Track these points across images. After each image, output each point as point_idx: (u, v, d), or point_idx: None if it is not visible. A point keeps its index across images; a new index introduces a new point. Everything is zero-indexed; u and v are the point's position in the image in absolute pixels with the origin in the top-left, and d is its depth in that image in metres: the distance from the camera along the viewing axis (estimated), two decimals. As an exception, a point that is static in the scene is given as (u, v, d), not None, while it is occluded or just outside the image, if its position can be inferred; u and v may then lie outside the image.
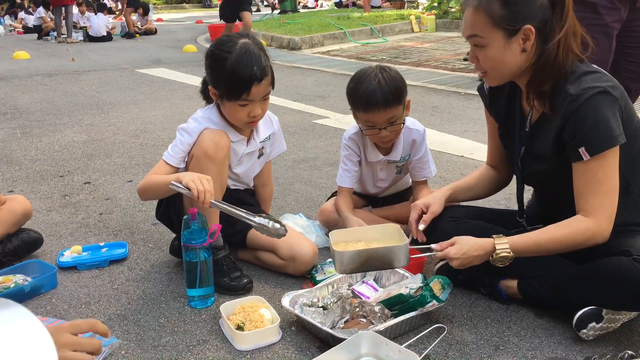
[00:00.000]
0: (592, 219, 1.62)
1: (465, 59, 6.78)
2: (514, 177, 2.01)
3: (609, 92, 1.59)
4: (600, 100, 1.58)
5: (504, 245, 1.68)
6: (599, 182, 1.61)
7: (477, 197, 2.14)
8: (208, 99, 2.17)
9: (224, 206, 1.87)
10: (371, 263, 1.79)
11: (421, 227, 1.94)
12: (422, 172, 2.36)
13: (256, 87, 1.94)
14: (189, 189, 1.82)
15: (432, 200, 2.01)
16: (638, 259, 1.57)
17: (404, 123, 2.20)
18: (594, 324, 1.67)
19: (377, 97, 2.08)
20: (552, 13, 1.62)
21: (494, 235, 1.71)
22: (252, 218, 1.86)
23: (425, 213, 1.97)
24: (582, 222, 1.64)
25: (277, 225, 1.87)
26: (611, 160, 1.61)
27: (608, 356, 1.43)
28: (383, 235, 1.90)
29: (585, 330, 1.68)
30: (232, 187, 2.23)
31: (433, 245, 1.76)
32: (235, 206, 1.88)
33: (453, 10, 11.67)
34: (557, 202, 1.86)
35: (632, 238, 1.66)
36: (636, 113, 1.70)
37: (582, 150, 1.60)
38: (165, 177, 1.95)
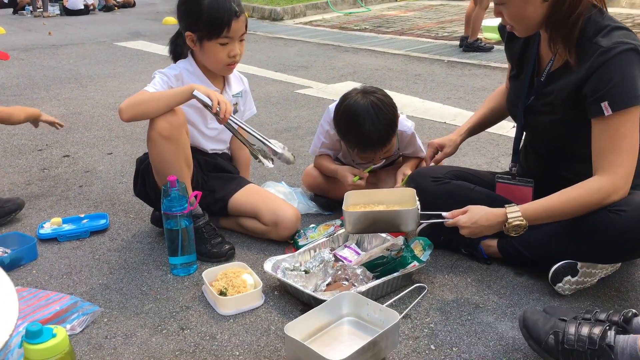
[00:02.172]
0: (608, 177, 1.59)
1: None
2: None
3: (638, 50, 1.56)
4: (631, 56, 1.54)
5: (516, 213, 1.65)
6: (620, 138, 1.57)
7: (493, 125, 2.21)
8: (177, 58, 2.17)
9: (240, 124, 1.93)
10: (377, 225, 1.80)
11: (431, 165, 2.10)
12: (412, 154, 2.36)
13: (235, 23, 1.99)
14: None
15: (447, 142, 2.13)
16: (613, 211, 1.58)
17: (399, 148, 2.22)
18: (569, 277, 1.69)
19: (373, 140, 2.06)
20: None
21: (506, 205, 1.68)
22: (268, 139, 1.94)
23: (439, 151, 2.12)
24: (596, 181, 1.60)
25: (289, 153, 1.97)
26: (633, 117, 1.58)
27: (611, 311, 1.44)
28: (397, 198, 1.89)
29: (560, 284, 1.71)
30: (211, 151, 2.23)
31: (444, 213, 1.75)
32: (249, 126, 1.94)
33: (436, -22, 11.51)
34: (554, 155, 1.84)
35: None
36: None
37: (604, 104, 1.55)
38: (169, 90, 1.98)
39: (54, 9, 12.22)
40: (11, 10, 13.30)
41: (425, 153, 2.20)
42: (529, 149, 1.98)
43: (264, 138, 1.93)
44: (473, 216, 1.70)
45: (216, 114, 1.87)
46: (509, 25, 1.71)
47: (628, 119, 1.57)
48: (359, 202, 1.90)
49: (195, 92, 1.87)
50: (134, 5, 13.45)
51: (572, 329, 1.37)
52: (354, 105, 2.07)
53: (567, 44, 1.64)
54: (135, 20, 10.50)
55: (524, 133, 1.93)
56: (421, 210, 1.78)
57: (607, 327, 1.35)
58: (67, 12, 11.98)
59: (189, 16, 2.03)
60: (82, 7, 12.09)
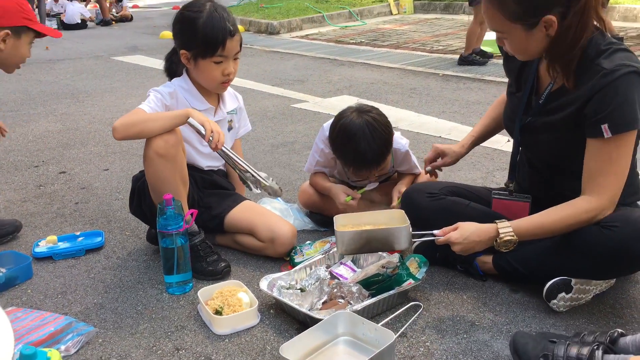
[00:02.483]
0: (596, 199, 1.62)
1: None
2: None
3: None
4: (632, 79, 1.55)
5: (507, 229, 1.67)
6: (612, 162, 1.59)
7: (496, 133, 2.23)
8: (172, 76, 2.19)
9: (231, 154, 1.95)
10: (372, 244, 1.80)
11: (427, 169, 2.16)
12: (407, 171, 2.37)
13: (230, 42, 2.01)
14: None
15: (449, 152, 2.15)
16: (606, 226, 1.60)
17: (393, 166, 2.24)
18: (563, 294, 1.70)
19: (368, 159, 2.08)
20: None
21: (496, 220, 1.70)
22: (256, 171, 1.96)
23: (440, 158, 2.16)
24: (585, 201, 1.63)
25: (276, 185, 1.97)
26: (629, 142, 1.60)
27: (597, 333, 1.45)
28: (387, 219, 1.90)
29: (555, 301, 1.71)
30: (207, 168, 2.24)
31: (435, 231, 1.76)
32: (240, 157, 1.97)
33: (431, -9, 11.62)
34: (550, 172, 1.85)
35: None
36: None
37: (604, 127, 1.56)
38: (164, 113, 1.99)
39: (51, 23, 12.25)
40: (8, 24, 13.30)
41: (424, 166, 2.23)
42: (524, 164, 1.98)
43: (252, 170, 1.95)
44: (464, 232, 1.71)
45: (208, 142, 1.88)
46: (512, 53, 1.72)
47: (624, 142, 1.59)
48: (347, 223, 1.90)
49: (190, 120, 1.89)
50: (131, 19, 13.52)
51: (560, 351, 1.38)
52: (350, 124, 2.08)
53: (565, 71, 1.65)
54: (132, 34, 10.54)
55: (520, 149, 1.94)
56: (412, 229, 1.78)
57: (595, 347, 1.35)
58: (64, 26, 12.03)
59: (184, 34, 2.04)
60: (79, 21, 12.14)
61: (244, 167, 1.96)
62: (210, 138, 1.86)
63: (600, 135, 1.58)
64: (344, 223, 1.89)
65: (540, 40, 1.62)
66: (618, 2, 7.96)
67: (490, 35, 6.32)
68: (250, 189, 2.00)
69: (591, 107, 1.59)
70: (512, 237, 1.67)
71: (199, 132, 1.89)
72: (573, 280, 1.70)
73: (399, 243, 1.77)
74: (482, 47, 5.93)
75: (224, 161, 2.33)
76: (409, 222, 1.78)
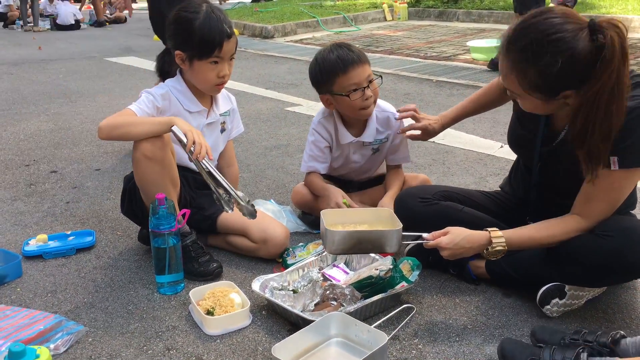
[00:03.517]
0: (586, 221, 1.64)
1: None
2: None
3: None
4: None
5: (500, 239, 1.68)
6: (611, 192, 1.61)
7: (481, 112, 2.24)
8: (164, 76, 2.18)
9: (211, 169, 1.86)
10: (362, 245, 1.79)
11: (397, 115, 2.24)
12: (396, 155, 2.38)
13: (227, 44, 2.01)
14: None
15: (426, 120, 2.18)
16: (600, 235, 1.60)
17: (380, 77, 2.25)
18: (557, 300, 1.70)
19: (351, 56, 2.15)
20: (596, 66, 1.46)
21: (488, 229, 1.70)
22: (234, 189, 1.87)
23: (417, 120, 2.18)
24: (575, 222, 1.65)
25: (252, 207, 1.88)
26: (633, 177, 1.61)
27: (599, 332, 1.45)
28: (375, 218, 1.90)
29: (548, 307, 1.72)
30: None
31: (425, 235, 1.76)
32: (219, 174, 1.88)
33: (425, -2, 11.69)
34: (553, 191, 1.84)
35: None
36: None
37: (613, 159, 1.56)
38: (150, 118, 1.95)
39: (45, 24, 12.20)
40: (1, 24, 13.28)
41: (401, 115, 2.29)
42: (521, 170, 1.98)
43: (230, 188, 1.86)
44: (454, 238, 1.70)
45: (189, 153, 1.84)
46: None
47: (628, 177, 1.60)
48: (336, 221, 1.89)
49: (174, 128, 1.85)
50: (125, 21, 13.49)
51: (546, 355, 1.38)
52: (322, 49, 2.26)
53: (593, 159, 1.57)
54: (126, 36, 10.52)
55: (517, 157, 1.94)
56: (403, 231, 1.78)
57: (581, 350, 1.35)
58: (57, 27, 11.98)
59: (180, 35, 2.04)
60: (73, 22, 12.09)
61: (223, 184, 1.86)
62: (192, 149, 1.82)
63: (607, 166, 1.57)
64: (332, 221, 1.87)
65: (557, 107, 1.61)
66: (610, 12, 8.04)
67: (478, 43, 6.40)
68: (222, 208, 1.90)
69: None
70: (503, 248, 1.68)
71: (181, 141, 1.85)
72: (567, 286, 1.71)
73: (390, 245, 1.77)
74: (472, 55, 5.96)
75: (216, 162, 2.32)
76: (401, 224, 1.78)
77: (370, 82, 2.18)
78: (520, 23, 1.54)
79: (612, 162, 1.57)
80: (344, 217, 1.92)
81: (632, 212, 1.83)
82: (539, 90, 1.54)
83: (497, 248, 1.68)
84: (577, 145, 1.57)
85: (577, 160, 1.61)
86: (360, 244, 1.78)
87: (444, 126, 2.23)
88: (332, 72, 2.16)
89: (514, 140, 1.94)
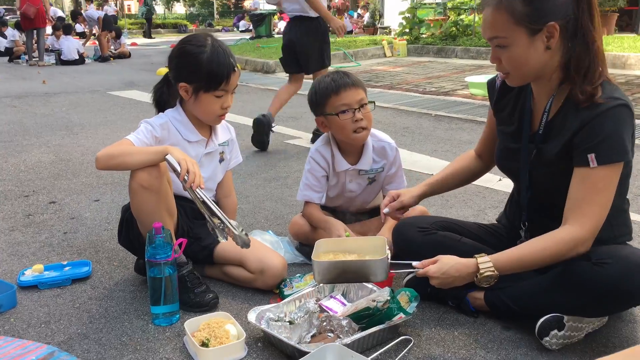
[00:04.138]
0: (577, 228, 1.60)
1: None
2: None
3: (629, 107, 1.59)
4: (622, 112, 1.57)
5: (487, 264, 1.64)
6: (597, 192, 1.59)
7: (454, 188, 2.20)
8: (161, 108, 2.21)
9: (205, 199, 1.85)
10: (347, 275, 1.77)
11: (385, 210, 2.05)
12: (393, 185, 2.39)
13: (233, 77, 2.06)
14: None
15: (405, 191, 2.09)
16: (597, 263, 1.59)
17: (373, 102, 2.28)
18: (556, 331, 1.68)
19: (344, 79, 2.21)
20: (577, 9, 1.57)
21: (475, 255, 1.68)
22: (227, 218, 1.86)
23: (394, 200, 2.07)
24: (566, 232, 1.62)
25: (245, 236, 1.87)
26: (615, 173, 1.60)
27: None
28: (370, 247, 1.88)
29: (547, 338, 1.69)
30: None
31: (414, 263, 1.74)
32: (213, 203, 1.87)
33: (424, 36, 11.92)
34: (545, 211, 1.83)
35: (594, 246, 1.66)
36: None
37: (591, 156, 1.57)
38: (145, 148, 1.96)
39: (50, 59, 12.40)
40: (7, 58, 13.49)
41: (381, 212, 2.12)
42: (515, 200, 1.98)
43: (224, 217, 1.85)
44: (443, 266, 1.68)
45: (183, 182, 1.84)
46: (504, 72, 1.71)
47: (610, 174, 1.60)
48: (329, 250, 1.89)
49: (168, 157, 1.86)
50: (129, 56, 13.72)
51: None
52: (322, 75, 2.35)
53: (589, 98, 1.61)
54: (129, 70, 10.67)
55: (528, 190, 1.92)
56: (396, 260, 1.77)
57: None
58: (62, 62, 12.17)
59: (186, 68, 2.06)
60: (77, 57, 12.29)
61: (217, 214, 1.85)
62: (186, 178, 1.82)
63: (586, 164, 1.59)
64: (324, 250, 1.88)
65: (540, 52, 1.62)
66: (606, 50, 8.16)
67: (477, 79, 6.48)
68: (217, 237, 1.88)
69: (580, 137, 1.61)
70: (492, 273, 1.64)
71: (175, 170, 1.86)
72: (565, 317, 1.68)
73: (374, 275, 1.75)
74: (471, 90, 6.05)
75: (214, 192, 2.32)
76: (387, 253, 1.76)
77: (363, 106, 2.21)
78: None
79: (591, 159, 1.57)
80: (337, 246, 1.92)
81: (629, 242, 1.82)
82: (525, 19, 1.57)
83: (486, 273, 1.64)
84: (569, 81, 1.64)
85: (549, 161, 1.69)
86: (345, 274, 1.76)
87: (422, 190, 2.12)
88: (325, 93, 2.22)
89: (501, 155, 1.94)
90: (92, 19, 15.50)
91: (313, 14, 4.42)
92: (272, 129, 4.44)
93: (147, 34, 23.50)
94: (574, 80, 1.63)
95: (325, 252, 1.87)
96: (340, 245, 1.92)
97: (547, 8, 1.57)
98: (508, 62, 1.67)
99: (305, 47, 4.49)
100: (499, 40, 1.64)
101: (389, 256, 1.77)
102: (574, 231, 1.61)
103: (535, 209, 1.88)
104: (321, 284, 1.99)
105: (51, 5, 14.74)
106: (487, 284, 1.67)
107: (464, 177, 2.15)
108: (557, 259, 1.64)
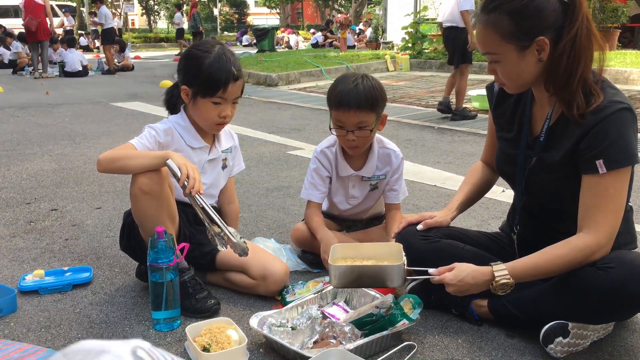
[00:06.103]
0: (592, 235, 1.59)
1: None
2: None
3: (632, 110, 1.58)
4: (626, 116, 1.56)
5: (503, 272, 1.64)
6: (609, 198, 1.58)
7: (477, 202, 2.19)
8: (172, 110, 2.21)
9: (205, 205, 1.84)
10: (364, 280, 1.77)
11: (419, 227, 1.98)
12: (393, 194, 2.37)
13: (232, 86, 2.03)
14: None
15: (440, 214, 2.03)
16: (602, 268, 1.57)
17: (372, 130, 2.20)
18: (560, 339, 1.65)
19: (350, 97, 2.13)
20: (565, 18, 1.57)
21: (491, 263, 1.67)
22: (226, 226, 1.84)
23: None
24: (581, 239, 1.60)
25: (244, 244, 1.85)
26: (625, 178, 1.59)
27: None
28: (386, 253, 1.88)
29: (552, 346, 1.67)
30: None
31: (431, 270, 1.73)
32: (213, 211, 1.85)
33: (427, 50, 11.98)
34: (548, 215, 1.82)
35: None
36: None
37: (599, 162, 1.56)
38: (147, 152, 1.95)
39: (53, 70, 12.48)
40: (11, 70, 13.57)
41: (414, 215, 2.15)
42: (518, 209, 1.97)
43: (223, 225, 1.84)
44: (459, 274, 1.68)
45: (182, 187, 1.83)
46: (500, 83, 1.73)
47: (620, 179, 1.59)
48: (346, 255, 1.89)
49: (169, 161, 1.86)
50: (132, 68, 13.80)
51: None
52: (349, 73, 2.29)
53: (568, 106, 1.62)
54: (133, 83, 10.72)
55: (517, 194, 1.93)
56: (409, 266, 1.76)
57: None
58: (65, 74, 12.24)
59: (188, 70, 2.08)
60: (81, 69, 12.36)
61: (216, 221, 1.84)
62: (185, 183, 1.81)
63: (595, 171, 1.58)
64: (340, 255, 1.88)
65: (533, 65, 1.63)
66: (609, 65, 8.19)
67: (481, 92, 6.51)
68: (216, 245, 1.86)
69: (586, 143, 1.60)
70: (508, 280, 1.64)
71: (175, 175, 1.85)
72: (570, 325, 1.67)
73: (391, 281, 1.74)
74: (473, 103, 6.09)
75: (216, 198, 2.32)
76: (404, 259, 1.75)
77: (360, 129, 2.17)
78: None
79: (599, 166, 1.56)
80: (353, 251, 1.91)
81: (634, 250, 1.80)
82: (514, 37, 1.58)
83: (502, 281, 1.64)
84: (556, 92, 1.64)
85: (552, 167, 1.69)
86: (362, 279, 1.76)
87: (454, 215, 2.09)
88: (330, 100, 2.23)
89: (500, 161, 1.95)
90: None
91: None
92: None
93: None
94: (550, 88, 1.65)
95: (342, 257, 1.87)
96: (356, 251, 1.91)
97: (534, 25, 1.58)
98: (502, 75, 1.69)
99: None
100: (492, 55, 1.67)
101: (406, 262, 1.76)
102: (589, 239, 1.60)
103: (528, 213, 1.88)
104: (324, 290, 1.98)
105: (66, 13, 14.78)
106: (502, 292, 1.66)
107: (483, 189, 2.15)
108: (573, 266, 1.62)
